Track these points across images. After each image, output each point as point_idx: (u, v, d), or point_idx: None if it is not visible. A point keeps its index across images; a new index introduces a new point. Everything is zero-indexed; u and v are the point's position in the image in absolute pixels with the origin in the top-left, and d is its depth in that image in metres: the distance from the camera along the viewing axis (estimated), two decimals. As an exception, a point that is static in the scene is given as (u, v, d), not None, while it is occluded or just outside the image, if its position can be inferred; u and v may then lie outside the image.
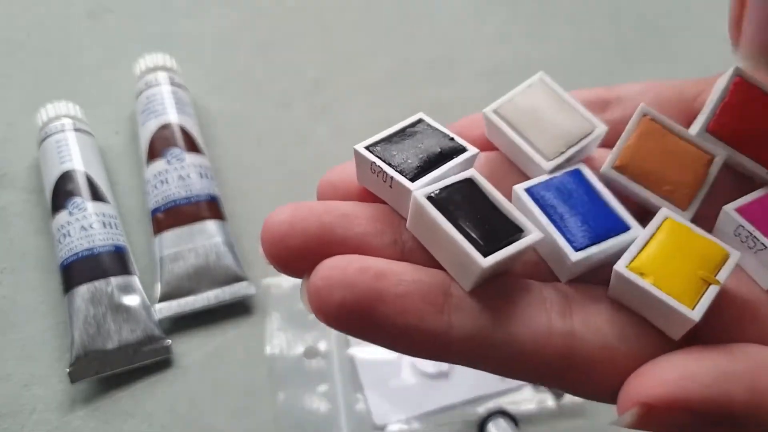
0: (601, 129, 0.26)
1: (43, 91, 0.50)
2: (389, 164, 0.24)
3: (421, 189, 0.23)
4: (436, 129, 0.25)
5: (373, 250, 0.23)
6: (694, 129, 0.26)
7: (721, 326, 0.23)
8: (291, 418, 0.38)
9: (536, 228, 0.23)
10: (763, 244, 0.24)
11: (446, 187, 0.23)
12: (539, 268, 0.24)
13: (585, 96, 0.28)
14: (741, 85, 0.26)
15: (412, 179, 0.23)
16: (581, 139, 0.25)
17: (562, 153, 0.25)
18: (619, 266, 0.22)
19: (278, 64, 0.53)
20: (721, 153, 0.25)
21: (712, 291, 0.22)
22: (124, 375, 0.39)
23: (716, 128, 0.26)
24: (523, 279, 0.23)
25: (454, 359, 0.22)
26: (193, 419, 0.38)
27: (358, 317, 0.21)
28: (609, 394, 0.22)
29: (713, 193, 0.25)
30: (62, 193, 0.44)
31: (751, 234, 0.24)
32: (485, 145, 0.27)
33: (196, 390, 0.40)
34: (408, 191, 0.23)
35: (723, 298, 0.23)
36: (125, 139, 0.49)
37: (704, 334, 0.23)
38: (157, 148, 0.45)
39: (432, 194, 0.23)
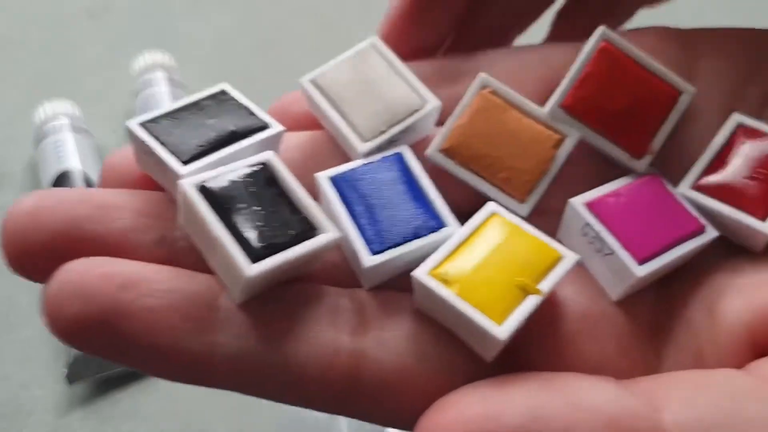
0: (433, 104, 0.21)
1: (41, 89, 0.50)
2: (163, 143, 0.20)
3: (193, 177, 0.19)
4: (238, 102, 0.21)
5: (134, 250, 0.19)
6: (549, 104, 0.21)
7: (551, 345, 0.19)
8: (291, 418, 0.38)
9: (334, 226, 0.19)
10: (610, 247, 0.19)
11: (227, 174, 0.19)
12: (343, 271, 0.20)
13: (436, 65, 0.24)
14: (607, 52, 0.21)
15: (186, 162, 0.19)
16: (407, 117, 0.21)
17: (382, 132, 0.21)
18: (418, 272, 0.19)
19: (278, 63, 0.53)
20: (573, 134, 0.21)
21: (529, 303, 0.18)
22: (122, 376, 0.39)
23: (572, 103, 0.21)
24: (318, 286, 0.20)
25: (222, 385, 0.18)
26: (193, 420, 0.38)
27: (96, 335, 0.17)
28: (409, 421, 0.18)
29: (567, 181, 0.21)
30: (60, 192, 0.44)
31: (598, 235, 0.20)
32: (311, 124, 0.23)
33: (195, 391, 0.40)
34: (178, 177, 0.19)
35: (556, 312, 0.19)
36: (124, 139, 0.49)
37: (530, 354, 0.19)
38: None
39: (205, 183, 0.19)
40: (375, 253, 0.19)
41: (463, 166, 0.21)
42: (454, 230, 0.20)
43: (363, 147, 0.21)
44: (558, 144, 0.21)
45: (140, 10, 0.55)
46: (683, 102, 0.21)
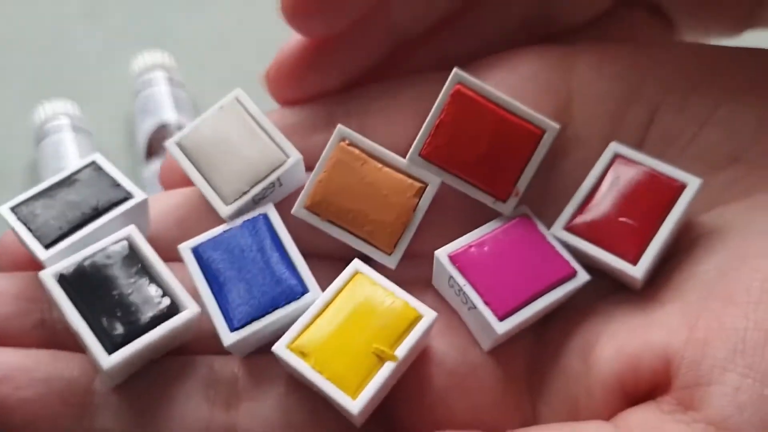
0: (294, 158, 0.21)
1: (41, 89, 0.50)
2: (29, 228, 0.20)
3: (54, 266, 0.19)
4: (105, 173, 0.21)
5: (14, 335, 0.19)
6: (408, 154, 0.21)
7: (423, 403, 0.19)
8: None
9: (193, 302, 0.19)
10: (472, 302, 0.19)
11: (88, 257, 0.19)
12: (217, 338, 0.20)
13: (313, 110, 0.23)
14: (461, 95, 0.21)
15: (49, 245, 0.20)
16: (269, 173, 0.21)
17: (245, 193, 0.21)
18: (277, 347, 0.19)
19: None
20: (433, 181, 0.20)
21: (385, 370, 0.18)
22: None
23: (430, 152, 0.21)
24: (191, 358, 0.20)
25: None
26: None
27: None
28: None
29: (440, 222, 0.21)
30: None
31: (462, 288, 0.19)
32: None
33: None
34: (42, 261, 0.20)
35: (426, 368, 0.19)
36: (123, 138, 0.49)
37: (402, 413, 0.19)
38: (155, 147, 0.44)
39: (63, 272, 0.19)
40: (234, 329, 0.19)
41: (328, 222, 0.21)
42: (315, 296, 0.19)
43: (226, 210, 0.21)
44: (419, 192, 0.21)
45: (140, 9, 0.55)
46: (547, 140, 0.21)
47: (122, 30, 0.54)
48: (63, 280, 0.19)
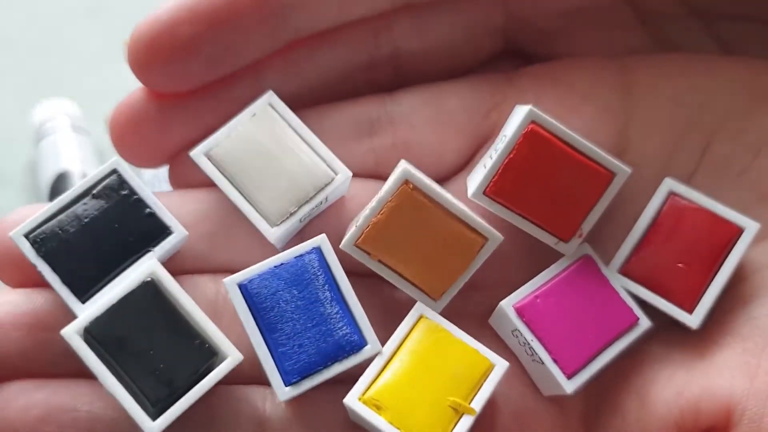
0: (343, 176, 0.19)
1: (40, 89, 0.50)
2: (55, 270, 0.18)
3: (74, 322, 0.17)
4: (132, 193, 0.19)
5: (40, 366, 0.18)
6: (471, 189, 0.20)
7: None
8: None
9: (234, 349, 0.18)
10: (540, 358, 0.19)
11: (111, 306, 0.17)
12: (259, 369, 0.19)
13: (348, 115, 0.21)
14: (534, 135, 0.19)
15: (84, 294, 0.18)
16: (317, 193, 0.19)
17: (292, 214, 0.19)
18: (350, 399, 0.18)
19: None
20: (495, 238, 0.19)
21: (463, 424, 0.18)
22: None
23: (496, 191, 0.19)
24: (237, 396, 0.18)
25: None
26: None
27: None
28: None
29: (500, 254, 0.20)
30: (59, 193, 0.44)
31: (528, 343, 0.19)
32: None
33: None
34: (75, 313, 0.18)
35: (489, 412, 0.19)
36: (123, 139, 0.49)
37: None
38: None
39: (89, 328, 0.17)
40: (290, 384, 0.18)
41: (378, 261, 0.19)
42: (374, 349, 0.18)
43: (274, 234, 0.19)
44: (478, 248, 0.19)
45: (139, 8, 0.55)
46: (616, 183, 0.20)
47: (122, 30, 0.54)
48: (89, 336, 0.17)
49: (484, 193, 0.20)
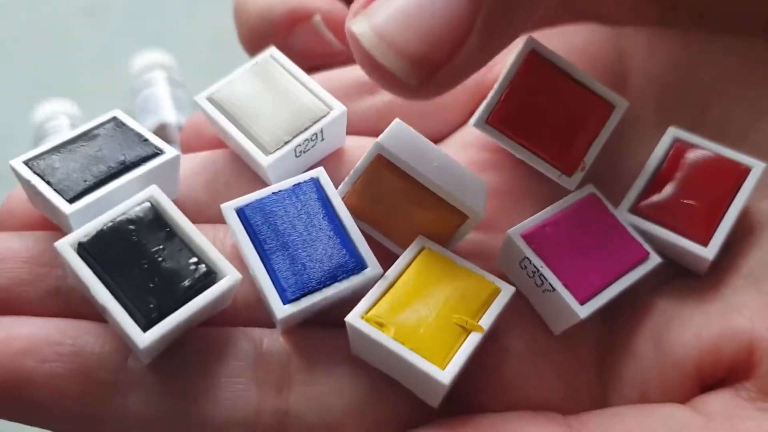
0: (339, 110, 0.20)
1: (40, 88, 0.50)
2: (48, 182, 0.18)
3: (70, 235, 0.17)
4: (131, 129, 0.19)
5: (28, 303, 0.17)
6: (473, 118, 0.20)
7: (495, 386, 0.18)
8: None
9: (232, 267, 0.17)
10: (551, 285, 0.18)
11: (108, 223, 0.17)
12: (257, 307, 0.18)
13: (352, 76, 0.21)
14: (534, 62, 0.20)
15: (73, 199, 0.18)
16: (312, 124, 0.19)
17: (286, 143, 0.19)
18: (352, 317, 0.17)
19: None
20: (476, 215, 0.18)
21: (471, 341, 0.17)
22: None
23: (498, 119, 0.19)
24: (234, 332, 0.18)
25: None
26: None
27: (3, 402, 0.16)
28: None
29: (505, 198, 0.20)
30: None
31: (538, 270, 0.18)
32: (221, 143, 0.21)
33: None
34: (66, 217, 0.17)
35: (497, 350, 0.18)
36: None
37: (474, 397, 0.18)
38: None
39: (84, 241, 0.17)
40: (289, 301, 0.17)
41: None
42: (375, 272, 0.18)
43: (267, 160, 0.19)
44: (456, 226, 0.19)
45: (139, 8, 0.55)
46: (616, 116, 0.20)
47: (122, 30, 0.54)
48: (83, 250, 0.17)
49: (487, 121, 0.20)
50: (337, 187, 0.19)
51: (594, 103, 0.20)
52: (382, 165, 0.18)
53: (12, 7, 0.58)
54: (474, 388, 0.18)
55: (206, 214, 0.19)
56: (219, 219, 0.19)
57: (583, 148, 0.20)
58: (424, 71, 0.16)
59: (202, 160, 0.20)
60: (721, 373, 0.18)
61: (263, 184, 0.20)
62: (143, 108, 0.48)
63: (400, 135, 0.19)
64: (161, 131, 0.47)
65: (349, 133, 0.21)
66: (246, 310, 0.18)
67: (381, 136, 0.18)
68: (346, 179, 0.19)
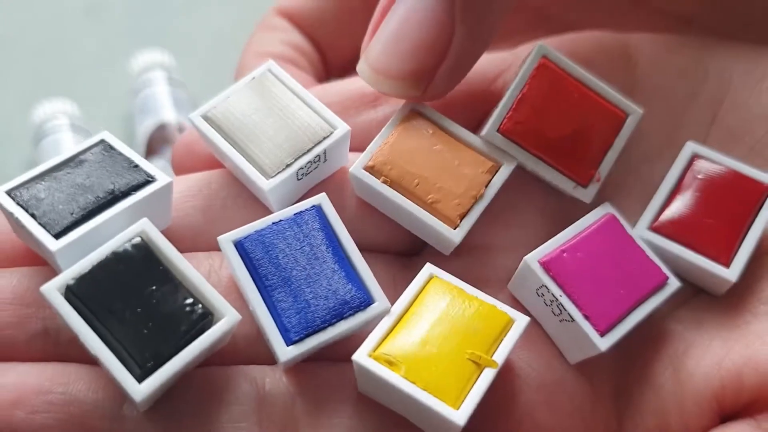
0: (342, 130, 0.19)
1: (40, 89, 0.50)
2: (32, 214, 0.17)
3: (56, 279, 0.16)
4: (120, 154, 0.18)
5: (14, 346, 0.17)
6: (485, 128, 0.19)
7: (509, 421, 0.17)
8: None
9: (230, 308, 0.16)
10: (570, 315, 0.17)
11: (97, 264, 0.16)
12: (259, 344, 0.17)
13: (352, 88, 0.21)
14: (546, 69, 0.19)
15: (59, 234, 0.16)
16: (314, 146, 0.18)
17: (288, 166, 0.18)
18: (359, 355, 0.16)
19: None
20: (509, 161, 0.18)
21: (485, 377, 0.16)
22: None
23: (510, 127, 0.19)
24: (233, 371, 0.17)
25: None
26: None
27: None
28: None
29: (507, 214, 0.19)
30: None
31: (557, 300, 0.17)
32: (216, 162, 0.20)
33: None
34: (52, 254, 0.16)
35: (511, 382, 0.17)
36: (123, 138, 0.49)
37: (487, 427, 0.17)
38: (155, 147, 0.44)
39: (71, 285, 0.16)
40: (292, 342, 0.16)
41: (389, 185, 0.18)
42: (383, 307, 0.17)
43: (268, 184, 0.18)
44: (493, 170, 0.18)
45: (139, 8, 0.55)
46: (630, 124, 0.19)
47: (122, 30, 0.54)
48: (71, 294, 0.16)
49: (498, 130, 0.19)
50: (341, 211, 0.18)
51: (607, 111, 0.19)
52: (415, 115, 0.19)
53: (11, 6, 0.58)
54: (486, 425, 0.17)
55: (202, 241, 0.19)
56: (216, 245, 0.18)
57: (598, 159, 0.19)
58: (420, 82, 0.18)
59: (196, 182, 0.19)
60: (742, 404, 0.17)
61: (262, 206, 0.19)
62: (143, 108, 0.48)
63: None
64: (161, 131, 0.47)
65: (350, 149, 0.20)
66: (246, 347, 0.17)
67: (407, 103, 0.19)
68: (369, 146, 0.19)
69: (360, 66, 0.19)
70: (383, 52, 0.19)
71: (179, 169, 0.21)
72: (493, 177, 0.18)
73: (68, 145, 0.44)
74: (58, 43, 0.57)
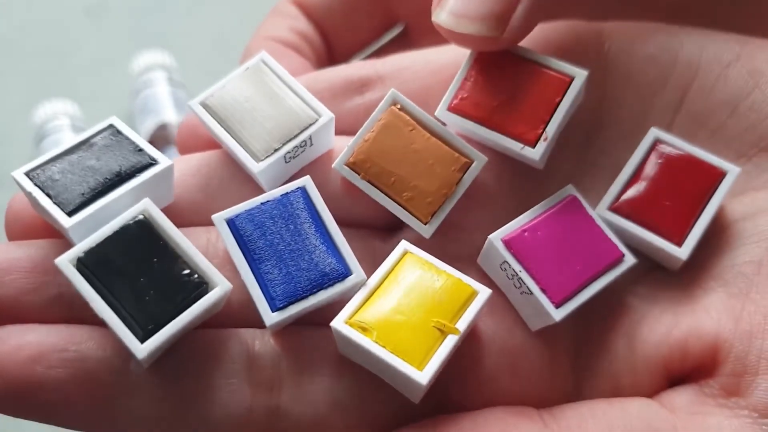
0: (326, 117, 0.20)
1: (41, 89, 0.50)
2: (47, 194, 0.19)
3: (69, 252, 0.18)
4: (127, 138, 0.20)
5: (33, 311, 0.18)
6: (438, 108, 0.21)
7: (474, 383, 0.19)
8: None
9: (222, 278, 0.18)
10: (528, 288, 0.19)
11: (104, 238, 0.18)
12: (251, 310, 0.19)
13: (340, 75, 0.22)
14: (486, 54, 0.21)
15: (72, 212, 0.19)
16: (301, 132, 0.20)
17: (276, 150, 0.20)
18: (336, 322, 0.18)
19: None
20: (479, 158, 0.20)
21: (448, 343, 0.18)
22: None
23: (458, 105, 0.21)
24: (226, 333, 0.19)
25: None
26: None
27: (12, 405, 0.18)
28: None
29: (482, 197, 0.21)
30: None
31: (517, 274, 0.19)
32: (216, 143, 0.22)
33: None
34: (66, 229, 0.18)
35: (477, 347, 0.19)
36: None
37: (454, 393, 0.19)
38: (155, 147, 0.44)
39: (82, 257, 0.18)
40: (277, 309, 0.18)
41: (368, 182, 0.20)
42: (359, 278, 0.19)
43: (257, 167, 0.20)
44: (464, 168, 0.20)
45: (139, 9, 0.55)
46: (576, 85, 0.20)
47: (123, 31, 0.54)
48: (81, 265, 0.18)
49: (448, 108, 0.21)
50: (323, 193, 0.20)
51: (552, 77, 0.21)
52: (396, 110, 0.21)
53: (12, 7, 0.58)
54: (453, 385, 0.19)
55: (202, 216, 0.20)
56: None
57: (544, 118, 0.20)
58: (499, 23, 0.20)
59: (197, 162, 0.21)
60: (687, 370, 0.19)
61: (255, 185, 0.21)
62: (143, 108, 0.48)
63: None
64: (161, 131, 0.47)
65: (338, 133, 0.22)
66: (240, 311, 0.19)
67: (390, 91, 0.21)
68: (351, 141, 0.21)
69: (437, 16, 0.21)
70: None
71: (183, 148, 0.23)
72: (463, 175, 0.20)
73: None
74: (59, 43, 0.57)
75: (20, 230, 0.20)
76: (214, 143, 0.22)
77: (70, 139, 0.20)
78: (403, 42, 0.28)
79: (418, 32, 0.28)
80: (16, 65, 0.54)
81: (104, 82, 0.53)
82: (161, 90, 0.48)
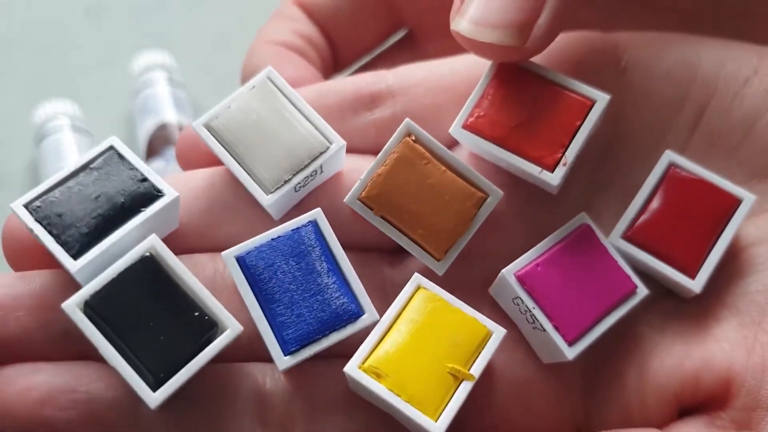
0: (337, 146, 0.20)
1: (41, 89, 0.50)
2: (50, 232, 0.18)
3: (75, 295, 0.17)
4: (128, 163, 0.19)
5: (39, 349, 0.18)
6: (453, 126, 0.20)
7: (486, 419, 0.19)
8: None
9: (233, 320, 0.18)
10: (541, 325, 0.19)
11: (111, 280, 0.18)
12: (259, 344, 0.19)
13: (350, 89, 0.21)
14: (507, 69, 0.20)
15: (77, 253, 0.18)
16: (311, 161, 0.19)
17: (287, 182, 0.19)
18: (350, 368, 0.18)
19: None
20: (495, 193, 0.20)
21: (463, 390, 0.18)
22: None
23: (474, 123, 0.20)
24: (236, 368, 0.19)
25: None
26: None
27: None
28: None
29: (497, 223, 0.20)
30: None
31: (530, 310, 0.19)
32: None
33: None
34: (72, 273, 0.18)
35: (488, 382, 0.19)
36: (123, 138, 0.49)
37: (465, 424, 0.19)
38: (155, 147, 0.44)
39: (90, 301, 0.18)
40: (289, 353, 0.18)
41: (381, 217, 0.20)
42: (372, 319, 0.18)
43: (267, 201, 0.19)
44: (479, 203, 0.20)
45: (140, 9, 0.55)
46: (597, 109, 0.20)
47: (122, 30, 0.54)
48: (89, 309, 0.17)
49: (463, 126, 0.20)
50: (332, 219, 0.19)
51: (573, 100, 0.20)
52: (411, 142, 0.20)
53: (12, 6, 0.58)
54: (467, 419, 0.19)
55: (207, 240, 0.20)
56: (220, 244, 0.19)
57: (564, 143, 0.20)
58: (521, 32, 0.19)
59: (201, 182, 0.20)
60: (699, 402, 0.19)
61: (262, 208, 0.20)
62: (143, 108, 0.48)
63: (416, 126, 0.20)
64: (161, 131, 0.47)
65: (348, 151, 0.21)
66: (248, 344, 0.19)
67: (405, 121, 0.20)
68: (363, 177, 0.20)
69: (456, 24, 0.20)
70: (480, 7, 0.20)
71: (184, 163, 0.22)
72: (478, 210, 0.20)
73: (69, 145, 0.44)
74: (59, 43, 0.57)
75: (20, 250, 0.19)
76: (215, 158, 0.21)
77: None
78: (409, 44, 0.27)
79: (424, 34, 0.27)
80: (16, 65, 0.54)
81: (104, 82, 0.53)
82: (161, 90, 0.48)
